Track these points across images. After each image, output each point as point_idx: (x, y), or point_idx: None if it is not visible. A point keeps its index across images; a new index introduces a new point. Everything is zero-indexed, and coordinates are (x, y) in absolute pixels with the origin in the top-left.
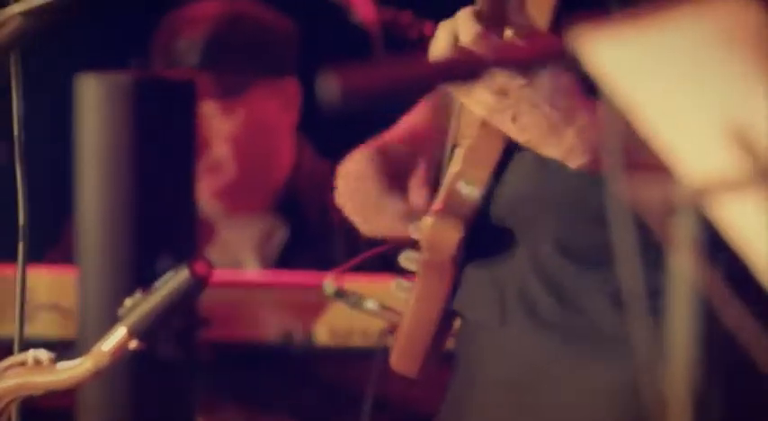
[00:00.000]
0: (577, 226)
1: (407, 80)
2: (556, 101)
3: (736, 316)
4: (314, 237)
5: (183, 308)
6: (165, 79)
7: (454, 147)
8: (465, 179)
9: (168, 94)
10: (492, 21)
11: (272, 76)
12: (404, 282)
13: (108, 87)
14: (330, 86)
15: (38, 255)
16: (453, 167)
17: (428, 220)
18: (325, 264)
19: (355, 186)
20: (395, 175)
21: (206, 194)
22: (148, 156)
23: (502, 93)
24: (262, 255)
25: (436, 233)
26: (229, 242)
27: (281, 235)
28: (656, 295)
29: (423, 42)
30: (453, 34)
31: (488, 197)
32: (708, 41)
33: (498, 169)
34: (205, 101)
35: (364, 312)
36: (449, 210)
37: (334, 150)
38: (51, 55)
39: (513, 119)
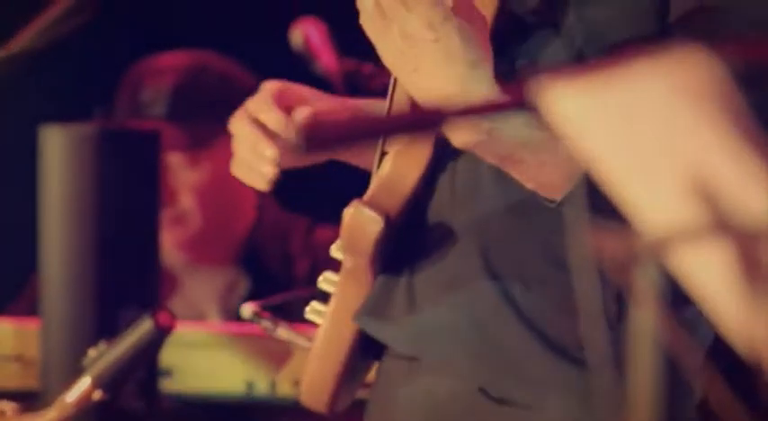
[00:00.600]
0: (508, 243)
1: (368, 130)
2: (467, 63)
3: (697, 367)
4: (276, 288)
5: (146, 358)
6: (128, 130)
7: (383, 154)
8: (392, 179)
9: (132, 144)
10: None
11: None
12: (318, 306)
13: (72, 138)
14: (293, 136)
15: (0, 306)
16: (383, 166)
17: (348, 211)
18: (287, 314)
19: None
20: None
21: (171, 246)
22: (112, 207)
23: (412, 41)
24: (224, 307)
25: (355, 224)
26: (192, 294)
27: (243, 286)
28: (617, 345)
29: (385, 93)
30: None
31: (417, 201)
32: (668, 93)
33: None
34: (171, 152)
35: (277, 338)
36: (371, 203)
37: (296, 202)
38: (14, 106)
39: (416, 69)
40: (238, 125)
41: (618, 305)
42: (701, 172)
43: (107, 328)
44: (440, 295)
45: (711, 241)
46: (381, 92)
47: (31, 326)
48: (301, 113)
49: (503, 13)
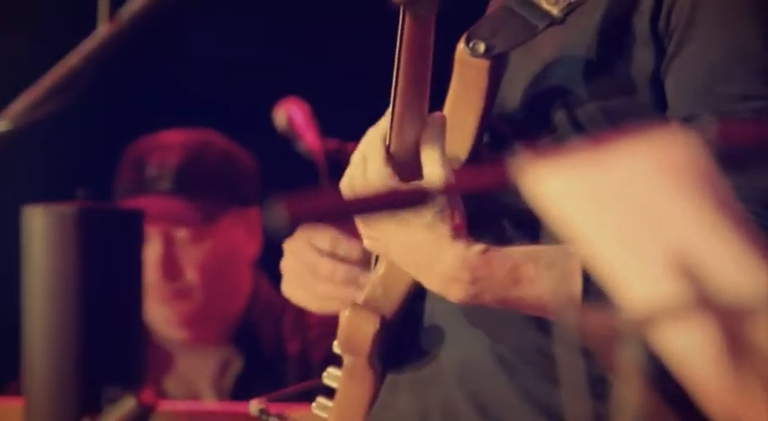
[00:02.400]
0: (513, 332)
1: (350, 208)
2: (425, 240)
3: None
4: (269, 367)
5: None
6: (111, 209)
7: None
8: (387, 279)
9: (114, 224)
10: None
11: (239, 204)
12: (324, 401)
13: (54, 218)
14: (277, 214)
15: None
16: (378, 267)
17: (345, 314)
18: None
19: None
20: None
21: (171, 322)
22: (95, 286)
23: (370, 224)
24: (218, 386)
25: (352, 327)
26: (187, 372)
27: (237, 365)
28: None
29: None
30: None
31: (416, 298)
32: (649, 174)
33: None
34: (178, 226)
35: None
36: (367, 305)
37: None
38: None
39: (386, 250)
40: (315, 260)
41: (602, 381)
42: (683, 250)
43: (90, 406)
44: (447, 385)
45: (695, 319)
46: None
47: (13, 405)
48: None
49: (491, 107)
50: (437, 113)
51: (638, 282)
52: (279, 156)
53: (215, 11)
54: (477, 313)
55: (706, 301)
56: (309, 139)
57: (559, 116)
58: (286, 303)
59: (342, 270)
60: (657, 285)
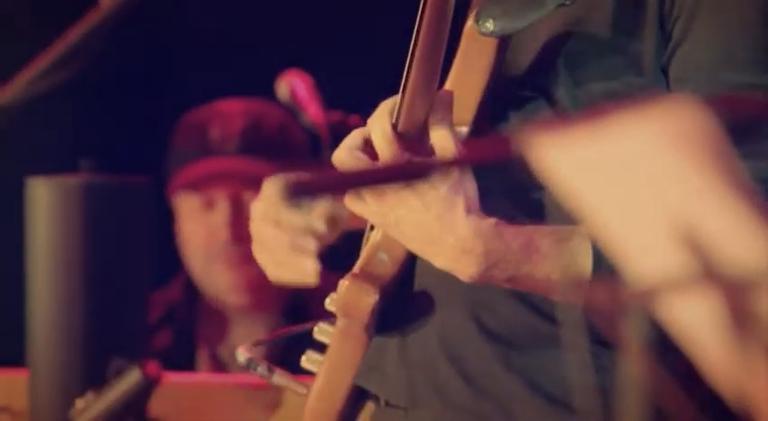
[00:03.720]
0: (497, 302)
1: (353, 181)
2: (439, 211)
3: (686, 416)
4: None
5: (134, 409)
6: (115, 181)
7: None
8: (383, 249)
9: (120, 195)
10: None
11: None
12: (314, 355)
13: (59, 190)
14: (286, 187)
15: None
16: (374, 236)
17: (344, 283)
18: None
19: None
20: None
21: (238, 287)
22: (100, 258)
23: (382, 196)
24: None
25: (351, 296)
26: (240, 340)
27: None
28: (605, 394)
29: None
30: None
31: (408, 264)
32: (655, 144)
33: None
34: (246, 189)
35: (273, 383)
36: (365, 275)
37: (337, 261)
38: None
39: (396, 224)
40: (263, 231)
41: (606, 354)
42: (689, 221)
43: (95, 379)
44: (433, 352)
45: (700, 290)
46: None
47: (18, 377)
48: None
49: (495, 83)
50: (444, 91)
51: (644, 254)
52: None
53: None
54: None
55: (712, 273)
56: (312, 112)
57: (562, 93)
58: (334, 279)
59: (284, 239)
60: (663, 257)
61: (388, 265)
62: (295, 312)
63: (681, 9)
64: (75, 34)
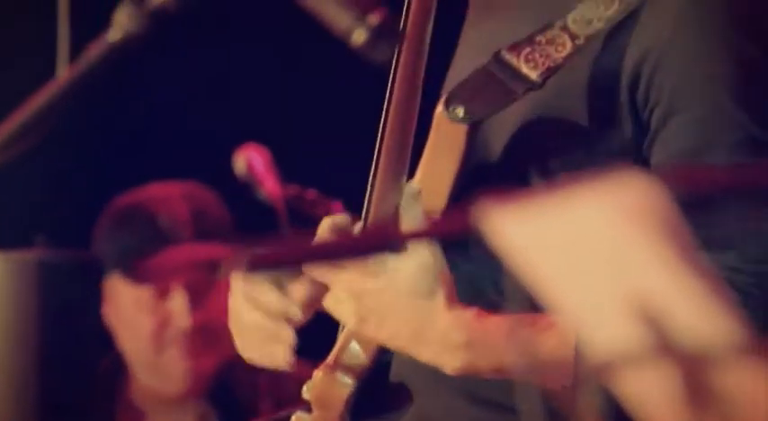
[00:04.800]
0: (480, 386)
1: (309, 256)
2: (421, 307)
3: None
4: None
5: None
6: (70, 257)
7: None
8: (357, 339)
9: (74, 271)
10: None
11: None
12: None
13: (12, 265)
14: (239, 261)
15: None
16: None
17: (318, 374)
18: None
19: None
20: None
21: (188, 375)
22: (53, 333)
23: (361, 296)
24: None
25: (325, 387)
26: None
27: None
28: None
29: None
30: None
31: (385, 352)
32: (610, 218)
33: None
34: (196, 276)
35: None
36: (339, 365)
37: None
38: None
39: (378, 323)
40: (241, 312)
41: None
42: (644, 295)
43: None
44: None
45: (656, 364)
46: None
47: None
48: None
49: (467, 170)
50: (413, 183)
51: (600, 327)
52: (239, 203)
53: (174, 55)
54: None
55: (667, 347)
56: (269, 186)
57: (535, 181)
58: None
59: (260, 323)
60: (618, 330)
61: (361, 356)
62: (221, 398)
63: (657, 99)
64: (31, 107)
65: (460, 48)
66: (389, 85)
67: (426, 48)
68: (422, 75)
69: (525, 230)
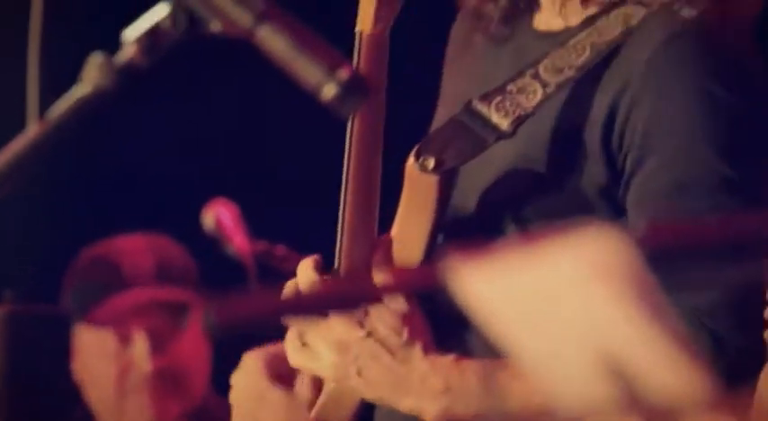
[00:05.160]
0: None
1: (279, 311)
2: (400, 354)
3: None
4: None
5: None
6: (39, 312)
7: None
8: (338, 393)
9: (43, 326)
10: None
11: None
12: None
13: None
14: (209, 317)
15: None
16: (327, 386)
17: None
18: None
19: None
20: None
21: (158, 419)
22: (21, 388)
23: (342, 347)
24: None
25: None
26: None
27: None
28: None
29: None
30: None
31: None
32: (579, 274)
33: None
34: (160, 324)
35: None
36: (321, 418)
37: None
38: None
39: (359, 373)
40: (246, 409)
41: None
42: (613, 351)
43: None
44: None
45: (623, 419)
46: (293, 274)
47: None
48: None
49: (442, 222)
50: (386, 236)
51: (569, 383)
52: (208, 259)
53: (143, 111)
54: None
55: (635, 403)
56: (238, 242)
57: (511, 231)
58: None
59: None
60: (587, 386)
61: (343, 411)
62: None
63: (630, 144)
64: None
65: (441, 99)
66: (348, 137)
67: (382, 97)
68: (381, 125)
69: (494, 286)
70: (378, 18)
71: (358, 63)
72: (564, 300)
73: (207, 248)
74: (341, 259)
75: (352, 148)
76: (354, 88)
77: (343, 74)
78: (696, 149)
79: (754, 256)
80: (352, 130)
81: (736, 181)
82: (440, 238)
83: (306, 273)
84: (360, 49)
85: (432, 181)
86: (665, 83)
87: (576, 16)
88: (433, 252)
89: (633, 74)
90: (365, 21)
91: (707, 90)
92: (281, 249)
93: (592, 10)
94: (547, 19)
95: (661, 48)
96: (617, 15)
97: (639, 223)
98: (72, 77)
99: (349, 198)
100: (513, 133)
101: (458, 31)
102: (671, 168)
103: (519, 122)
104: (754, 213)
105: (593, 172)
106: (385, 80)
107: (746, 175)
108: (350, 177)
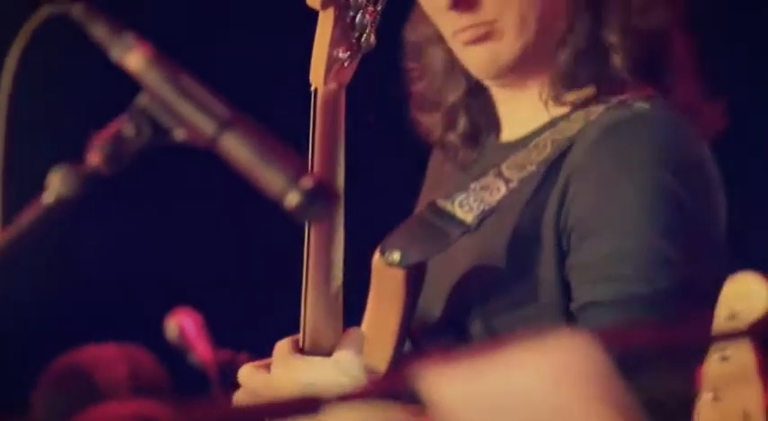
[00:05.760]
0: None
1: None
2: None
3: None
4: None
5: None
6: None
7: None
8: None
9: None
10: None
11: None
12: None
13: None
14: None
15: None
16: None
17: None
18: None
19: None
20: None
21: None
22: None
23: None
24: None
25: None
26: None
27: None
28: None
29: None
30: None
31: None
32: (544, 378)
33: None
34: None
35: None
36: None
37: None
38: None
39: None
40: None
41: None
42: None
43: None
44: None
45: None
46: None
47: None
48: None
49: (411, 318)
50: (354, 328)
51: None
52: (171, 368)
53: (106, 220)
54: None
55: None
56: (201, 350)
57: (476, 326)
58: None
59: None
60: None
61: None
62: None
63: (575, 221)
64: None
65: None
66: (306, 243)
67: (339, 182)
68: (340, 226)
69: (461, 391)
70: (328, 75)
71: (314, 120)
72: (529, 402)
73: (170, 356)
74: (305, 341)
75: (311, 250)
76: (318, 196)
77: (307, 182)
78: (637, 227)
79: (687, 364)
80: (309, 233)
81: (675, 260)
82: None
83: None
84: (314, 105)
85: (398, 275)
86: (606, 165)
87: (539, 121)
88: (403, 344)
89: (580, 157)
90: (317, 77)
91: (650, 173)
92: (244, 357)
93: (556, 112)
94: (510, 131)
95: (607, 131)
96: (578, 115)
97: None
98: (36, 185)
99: (310, 295)
100: (477, 227)
101: (434, 161)
102: (611, 244)
103: (483, 217)
104: (690, 321)
105: (551, 261)
106: (341, 137)
107: (685, 257)
108: (309, 275)
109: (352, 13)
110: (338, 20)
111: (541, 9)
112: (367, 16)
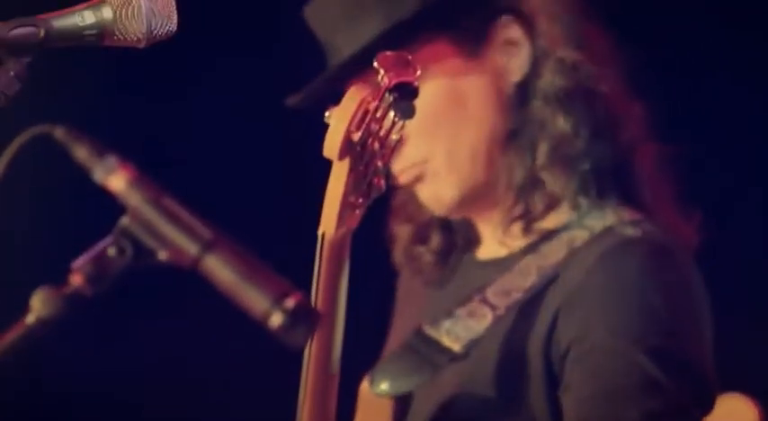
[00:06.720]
0: None
1: None
2: None
3: None
4: None
5: None
6: None
7: None
8: None
9: None
10: None
11: None
12: None
13: None
14: None
15: None
16: None
17: None
18: None
19: None
20: None
21: None
22: None
23: None
24: None
25: None
26: None
27: None
28: None
29: None
30: None
31: None
32: None
33: None
34: None
35: None
36: None
37: None
38: None
39: None
40: None
41: None
42: None
43: None
44: None
45: None
46: None
47: None
48: None
49: None
50: None
51: None
52: None
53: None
54: None
55: None
56: None
57: None
58: None
59: None
60: None
61: None
62: None
63: (565, 349)
64: None
65: (392, 330)
66: (305, 364)
67: (339, 323)
68: (337, 350)
69: None
70: (340, 222)
71: (319, 263)
72: None
73: None
74: None
75: (309, 373)
76: (302, 317)
77: (290, 302)
78: (627, 352)
79: None
80: (309, 355)
81: (665, 385)
82: None
83: None
84: (321, 250)
85: (386, 404)
86: (600, 291)
87: (518, 242)
88: None
89: (573, 286)
90: (328, 223)
91: (643, 299)
92: None
93: (534, 236)
94: (488, 248)
95: (600, 259)
96: (561, 240)
97: None
98: (19, 305)
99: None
100: (465, 355)
101: (402, 279)
102: (599, 372)
103: (471, 345)
104: None
105: (539, 389)
106: (345, 283)
107: (675, 381)
108: (306, 403)
109: (366, 161)
110: (353, 168)
111: (472, 146)
112: (379, 163)
